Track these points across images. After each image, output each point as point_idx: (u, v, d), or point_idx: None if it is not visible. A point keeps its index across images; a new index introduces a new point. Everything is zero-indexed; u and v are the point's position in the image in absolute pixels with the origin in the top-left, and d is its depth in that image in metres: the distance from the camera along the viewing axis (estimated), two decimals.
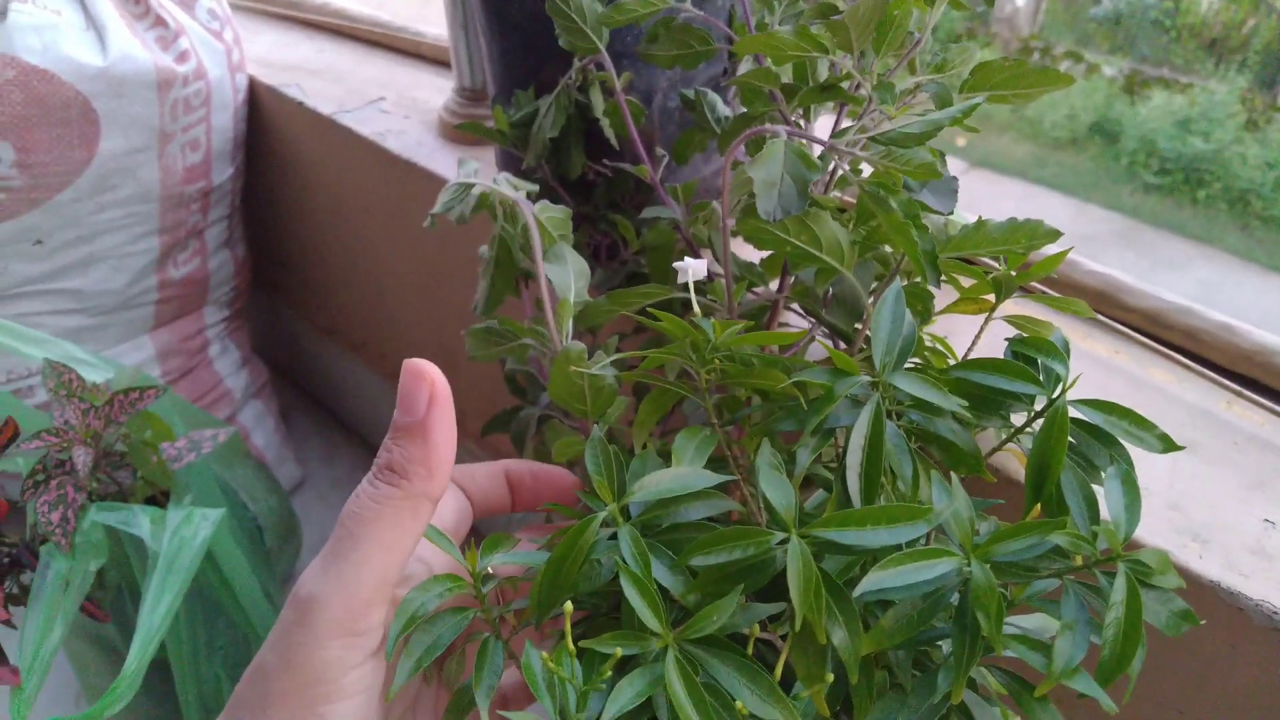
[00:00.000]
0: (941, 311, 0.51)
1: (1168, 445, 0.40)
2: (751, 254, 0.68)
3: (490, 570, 0.40)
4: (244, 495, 1.05)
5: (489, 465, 0.46)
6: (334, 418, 1.50)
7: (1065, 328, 0.75)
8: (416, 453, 0.37)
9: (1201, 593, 0.55)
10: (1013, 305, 0.52)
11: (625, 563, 0.35)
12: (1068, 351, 0.42)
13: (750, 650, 0.36)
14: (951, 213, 0.46)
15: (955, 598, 0.35)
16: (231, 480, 1.05)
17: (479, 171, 0.59)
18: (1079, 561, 0.35)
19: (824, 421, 0.38)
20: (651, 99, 0.75)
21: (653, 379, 0.43)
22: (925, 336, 0.51)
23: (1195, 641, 0.57)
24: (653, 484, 0.38)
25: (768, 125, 0.44)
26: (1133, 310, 0.73)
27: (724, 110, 0.65)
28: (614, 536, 0.37)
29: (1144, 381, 0.69)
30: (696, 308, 0.43)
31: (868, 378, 0.38)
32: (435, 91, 1.18)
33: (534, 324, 0.51)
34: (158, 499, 0.86)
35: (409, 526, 0.37)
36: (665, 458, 0.44)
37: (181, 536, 0.76)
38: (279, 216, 1.34)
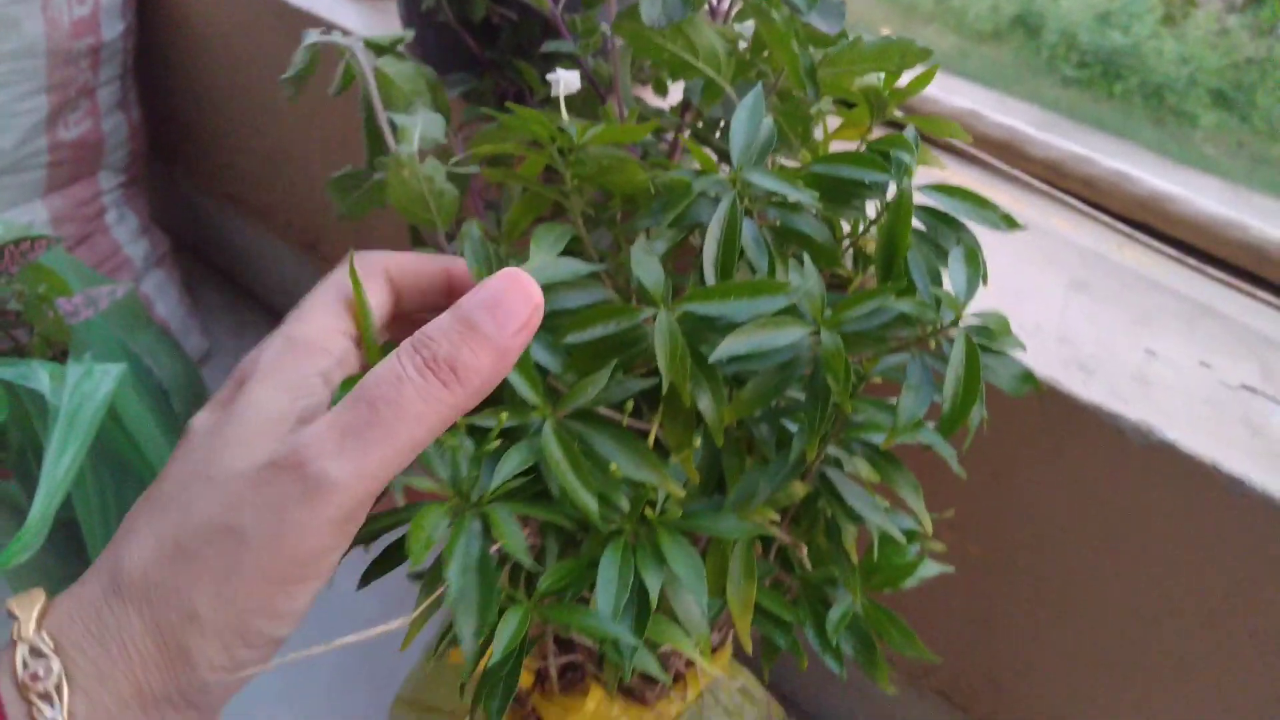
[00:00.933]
0: (827, 139, 0.52)
1: (1009, 224, 0.41)
2: (660, 103, 0.67)
3: None
4: (148, 360, 1.03)
5: (429, 259, 0.40)
6: (241, 288, 1.47)
7: (970, 179, 0.76)
8: (488, 368, 0.33)
9: (1085, 417, 0.58)
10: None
11: None
12: (917, 144, 0.43)
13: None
14: (839, 32, 0.46)
15: (808, 370, 0.37)
16: (134, 345, 1.02)
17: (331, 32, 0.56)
18: (924, 331, 0.37)
19: (682, 216, 0.39)
20: None
21: (519, 179, 0.43)
22: None
23: (1078, 463, 0.60)
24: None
25: None
26: (1034, 160, 0.74)
27: None
28: None
29: (1044, 228, 0.71)
30: (565, 116, 0.43)
31: (725, 175, 0.39)
32: None
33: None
34: (58, 360, 0.84)
35: (438, 430, 0.33)
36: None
37: (83, 391, 0.75)
38: (176, 78, 1.28)
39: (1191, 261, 0.66)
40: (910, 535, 0.48)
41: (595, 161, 0.41)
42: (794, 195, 0.38)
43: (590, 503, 0.34)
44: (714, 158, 0.59)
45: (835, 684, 0.92)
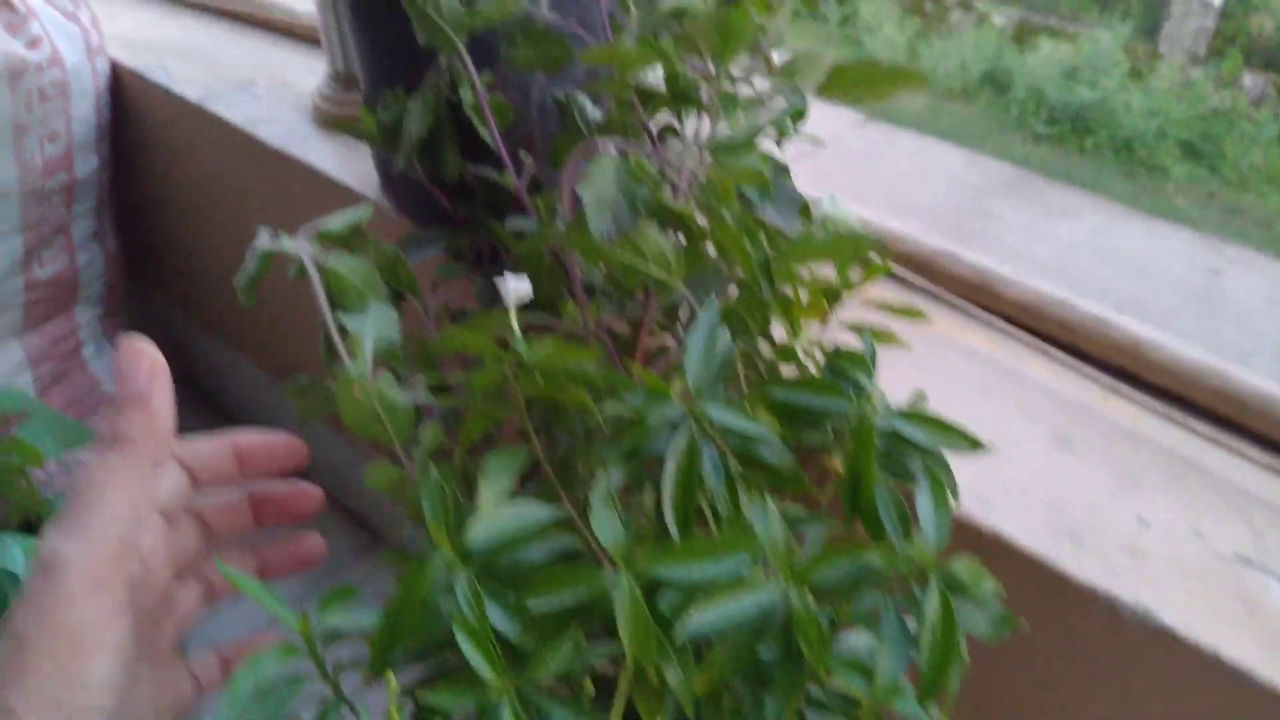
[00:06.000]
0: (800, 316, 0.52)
1: (974, 445, 0.41)
2: None
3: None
4: None
5: (214, 439, 0.48)
6: (224, 417, 1.45)
7: (945, 321, 0.75)
8: (139, 420, 0.39)
9: (1078, 594, 0.56)
10: (859, 313, 0.53)
11: (461, 610, 0.34)
12: (874, 363, 0.42)
13: (594, 686, 0.35)
14: (796, 229, 0.46)
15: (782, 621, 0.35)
16: None
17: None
18: (897, 577, 0.35)
19: (637, 448, 0.38)
20: (529, 95, 0.73)
21: (468, 401, 0.41)
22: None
23: (1073, 643, 0.59)
24: (490, 524, 0.36)
25: (598, 139, 0.43)
26: (1008, 301, 0.73)
27: (595, 113, 0.64)
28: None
29: (1023, 376, 0.70)
30: (516, 327, 0.42)
31: (682, 406, 0.38)
32: (309, 73, 1.14)
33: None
34: (33, 524, 0.83)
35: (137, 490, 0.39)
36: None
37: None
38: (152, 208, 1.28)
39: (1176, 414, 0.65)
40: None
41: (545, 377, 0.40)
42: (752, 431, 0.37)
43: None
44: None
45: None
